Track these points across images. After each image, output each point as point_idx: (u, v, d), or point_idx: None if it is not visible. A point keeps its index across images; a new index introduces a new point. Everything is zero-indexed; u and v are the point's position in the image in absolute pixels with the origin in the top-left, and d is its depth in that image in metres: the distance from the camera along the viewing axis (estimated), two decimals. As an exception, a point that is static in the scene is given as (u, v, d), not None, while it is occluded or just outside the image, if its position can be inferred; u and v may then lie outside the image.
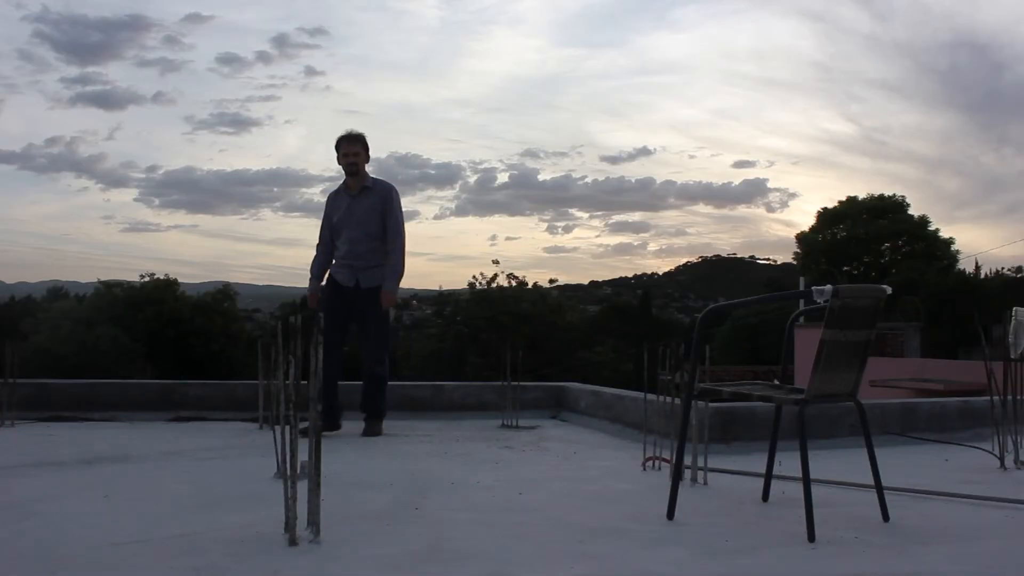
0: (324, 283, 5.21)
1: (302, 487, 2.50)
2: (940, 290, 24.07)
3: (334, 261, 5.20)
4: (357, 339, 5.24)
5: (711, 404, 4.34)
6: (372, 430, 5.05)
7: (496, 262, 34.43)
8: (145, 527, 2.69)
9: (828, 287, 2.69)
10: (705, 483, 3.54)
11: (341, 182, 5.26)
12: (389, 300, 5.09)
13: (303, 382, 2.58)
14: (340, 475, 3.55)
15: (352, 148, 5.12)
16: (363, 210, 5.12)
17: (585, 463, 4.22)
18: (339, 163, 5.16)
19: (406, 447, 4.69)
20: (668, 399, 3.90)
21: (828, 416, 4.71)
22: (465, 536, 2.66)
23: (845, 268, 32.16)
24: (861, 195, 34.12)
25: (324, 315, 4.60)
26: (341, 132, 5.21)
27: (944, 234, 32.95)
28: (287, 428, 2.66)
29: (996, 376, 4.04)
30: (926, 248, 31.88)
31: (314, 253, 5.30)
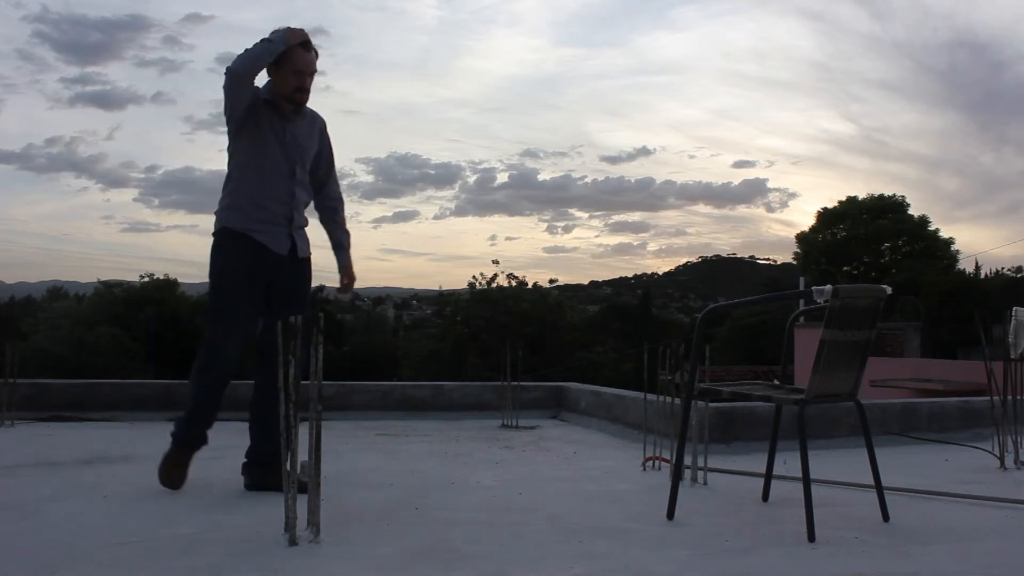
0: (233, 242, 3.28)
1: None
2: (940, 290, 24.07)
3: (249, 211, 3.27)
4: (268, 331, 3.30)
5: (711, 404, 4.34)
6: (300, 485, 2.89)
7: (496, 262, 34.46)
8: (145, 527, 2.69)
9: (828, 287, 2.69)
10: (705, 483, 3.54)
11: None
12: (353, 281, 3.57)
13: (304, 382, 2.57)
14: (340, 475, 3.55)
15: (313, 66, 3.30)
16: (304, 142, 3.36)
17: (585, 463, 4.22)
18: (279, 75, 3.24)
19: (406, 447, 4.68)
20: (668, 399, 3.90)
21: (828, 416, 4.71)
22: (465, 536, 2.65)
23: (845, 268, 32.18)
24: (861, 195, 34.18)
25: (239, 286, 3.23)
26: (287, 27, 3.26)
27: (944, 234, 33.03)
28: (287, 428, 2.65)
29: (996, 376, 4.04)
30: (926, 248, 31.90)
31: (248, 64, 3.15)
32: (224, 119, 3.28)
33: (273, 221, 3.29)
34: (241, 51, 3.16)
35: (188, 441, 3.37)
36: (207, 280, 3.37)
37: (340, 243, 3.52)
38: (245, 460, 3.42)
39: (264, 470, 3.28)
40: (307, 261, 3.42)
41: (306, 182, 3.38)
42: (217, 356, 3.31)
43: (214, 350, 3.31)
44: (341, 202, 3.56)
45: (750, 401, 3.08)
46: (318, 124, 3.45)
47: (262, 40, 3.19)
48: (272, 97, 3.28)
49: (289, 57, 3.22)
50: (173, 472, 3.28)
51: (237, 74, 3.14)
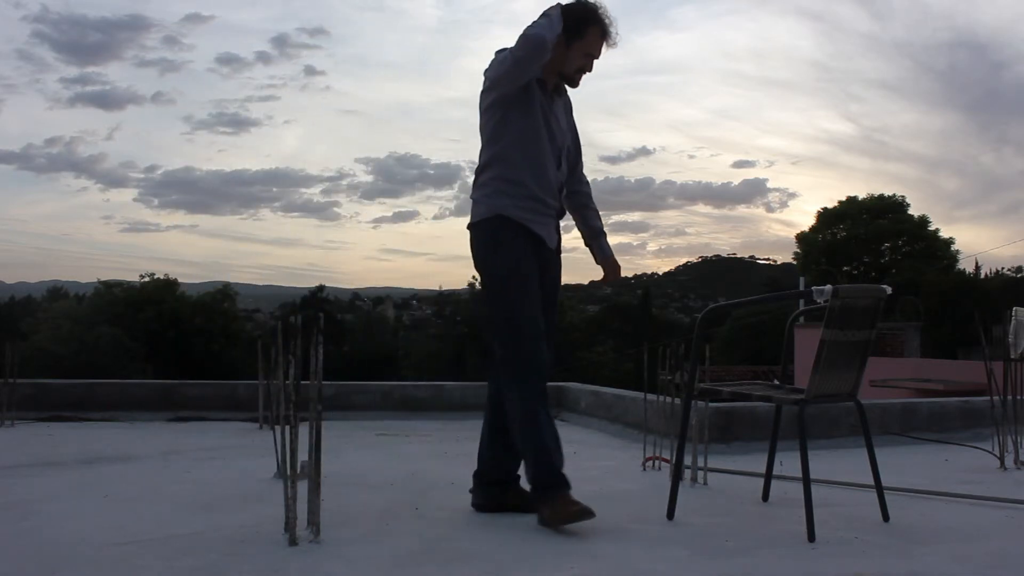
0: (515, 233, 2.86)
1: (302, 487, 2.50)
2: (940, 290, 24.07)
3: (523, 200, 2.87)
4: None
5: (711, 404, 4.34)
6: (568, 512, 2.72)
7: (496, 262, 34.37)
8: (145, 527, 2.69)
9: (828, 287, 2.69)
10: (705, 483, 3.54)
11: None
12: (618, 269, 3.19)
13: (304, 382, 2.57)
14: (340, 475, 3.55)
15: (600, 53, 2.94)
16: (562, 124, 3.01)
17: (585, 463, 4.22)
18: (566, 50, 2.86)
19: (406, 447, 4.68)
20: (668, 399, 3.90)
21: (828, 416, 4.71)
22: (465, 536, 2.65)
23: (845, 268, 32.19)
24: (861, 195, 34.21)
25: (533, 281, 2.83)
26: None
27: (944, 234, 33.07)
28: (287, 428, 2.65)
29: (996, 376, 4.04)
30: (926, 248, 31.93)
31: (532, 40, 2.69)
32: (485, 93, 2.89)
33: (546, 212, 2.93)
34: (532, 25, 2.72)
35: (560, 479, 2.77)
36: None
37: (597, 230, 3.16)
38: (478, 476, 3.01)
39: (503, 488, 2.96)
40: (557, 253, 3.04)
41: (561, 167, 3.02)
42: (536, 368, 2.80)
43: (530, 363, 2.79)
44: (589, 186, 3.20)
45: (750, 401, 3.07)
46: (569, 104, 3.08)
47: (544, 16, 2.75)
48: (542, 74, 2.88)
49: (588, 34, 2.87)
50: (572, 512, 2.69)
51: (545, 45, 2.71)
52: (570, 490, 2.75)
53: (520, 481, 2.96)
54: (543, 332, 2.83)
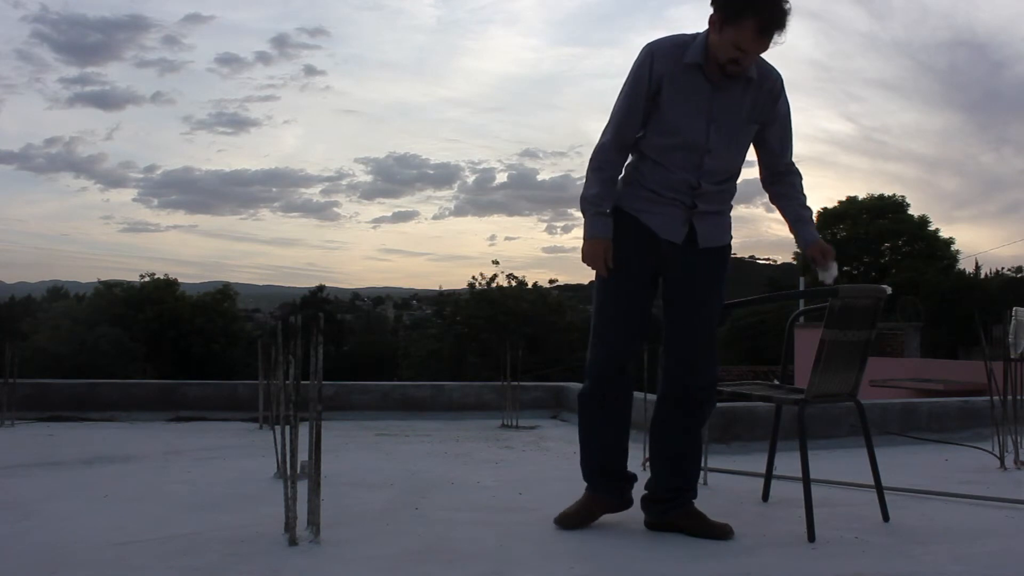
0: (620, 223, 2.75)
1: (302, 487, 2.50)
2: (940, 290, 24.08)
3: (640, 192, 2.74)
4: (666, 336, 2.82)
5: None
6: (718, 529, 2.66)
7: (496, 262, 34.39)
8: (145, 527, 2.69)
9: (833, 268, 2.71)
10: (705, 483, 3.53)
11: (674, 43, 2.66)
12: (829, 255, 2.80)
13: (304, 382, 2.57)
14: (340, 475, 3.55)
15: (758, 48, 2.53)
16: (735, 112, 2.68)
17: (585, 463, 4.21)
18: (719, 38, 2.54)
19: (406, 447, 4.68)
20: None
21: (828, 416, 4.71)
22: (465, 536, 2.65)
23: (845, 268, 32.19)
24: (861, 195, 34.19)
25: (627, 277, 2.73)
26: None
27: (944, 234, 33.06)
28: (287, 428, 2.66)
29: (996, 376, 4.04)
30: (926, 248, 31.92)
31: (600, 166, 2.75)
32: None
33: (667, 203, 2.71)
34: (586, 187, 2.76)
35: (587, 481, 2.85)
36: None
37: (799, 217, 2.88)
38: (644, 492, 2.85)
39: (666, 507, 2.76)
40: (712, 253, 2.76)
41: (730, 158, 2.75)
42: (602, 374, 2.78)
43: (594, 367, 2.80)
44: (796, 175, 2.91)
45: (750, 401, 3.07)
46: (766, 87, 2.70)
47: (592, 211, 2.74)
48: (702, 60, 2.61)
49: (739, 27, 2.49)
50: (570, 516, 2.79)
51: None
52: (591, 498, 2.82)
53: (691, 503, 2.78)
54: (621, 336, 2.78)
